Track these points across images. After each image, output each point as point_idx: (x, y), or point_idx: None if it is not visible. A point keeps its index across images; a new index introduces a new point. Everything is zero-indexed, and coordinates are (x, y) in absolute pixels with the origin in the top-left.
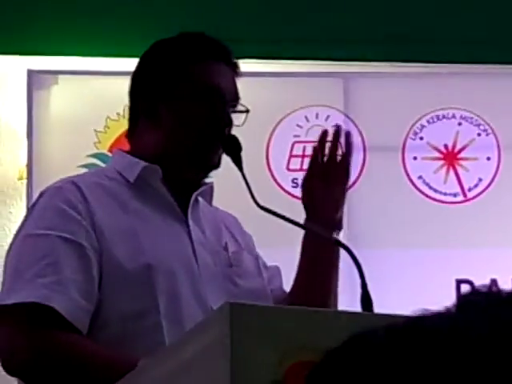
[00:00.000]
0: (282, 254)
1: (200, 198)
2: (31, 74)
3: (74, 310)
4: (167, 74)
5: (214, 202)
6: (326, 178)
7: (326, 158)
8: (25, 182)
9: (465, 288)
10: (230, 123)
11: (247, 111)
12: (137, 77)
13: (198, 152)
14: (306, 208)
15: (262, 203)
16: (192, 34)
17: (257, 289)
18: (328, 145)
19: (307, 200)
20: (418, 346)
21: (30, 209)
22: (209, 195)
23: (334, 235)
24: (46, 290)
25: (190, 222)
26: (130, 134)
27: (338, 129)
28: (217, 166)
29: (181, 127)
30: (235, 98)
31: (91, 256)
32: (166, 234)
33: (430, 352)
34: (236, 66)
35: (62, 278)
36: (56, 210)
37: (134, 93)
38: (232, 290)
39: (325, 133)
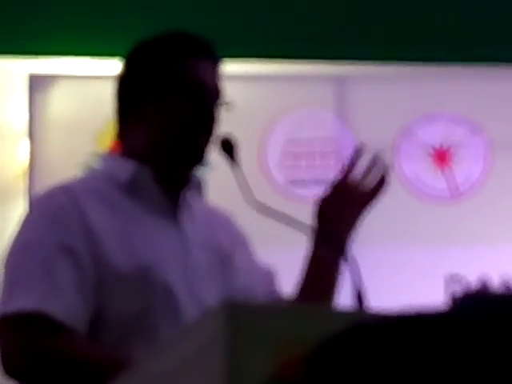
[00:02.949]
0: (279, 251)
1: (191, 195)
2: (32, 76)
3: (70, 314)
4: (152, 74)
5: (209, 200)
6: (347, 199)
7: (355, 178)
8: (25, 182)
9: (456, 284)
10: (213, 118)
11: (230, 104)
12: (122, 79)
13: (184, 148)
14: (318, 224)
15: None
16: (173, 33)
17: (250, 287)
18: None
19: (321, 217)
20: (413, 340)
21: (25, 218)
22: (199, 190)
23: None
24: (42, 297)
25: (182, 221)
26: (121, 135)
27: (376, 156)
28: (203, 159)
29: (167, 125)
30: (218, 92)
31: (86, 261)
32: (159, 235)
33: (424, 346)
34: (218, 61)
35: (58, 285)
36: (49, 219)
37: (120, 95)
38: (226, 288)
39: (358, 152)
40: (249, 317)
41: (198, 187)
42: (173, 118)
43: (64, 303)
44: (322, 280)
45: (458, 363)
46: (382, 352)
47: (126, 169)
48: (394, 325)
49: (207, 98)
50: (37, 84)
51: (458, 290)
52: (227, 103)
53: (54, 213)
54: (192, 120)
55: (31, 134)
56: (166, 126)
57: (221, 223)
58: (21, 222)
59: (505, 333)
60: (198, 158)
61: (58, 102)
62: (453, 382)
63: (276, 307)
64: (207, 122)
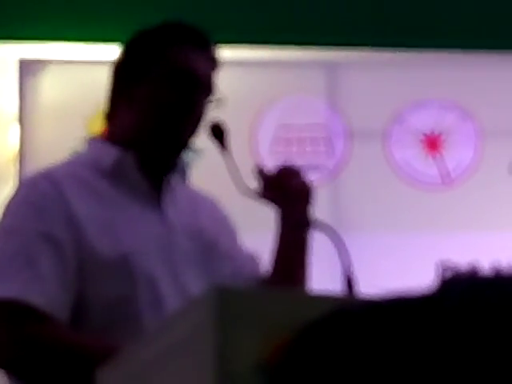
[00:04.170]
0: (269, 237)
1: (175, 180)
2: (22, 61)
3: (51, 302)
4: (142, 57)
5: (198, 186)
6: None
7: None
8: (16, 167)
9: (447, 269)
10: (198, 106)
11: (221, 100)
12: (117, 64)
13: (166, 133)
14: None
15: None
16: (171, 22)
17: (234, 273)
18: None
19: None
20: (397, 323)
21: (7, 204)
22: (182, 174)
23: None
24: (23, 285)
25: (166, 207)
26: (109, 118)
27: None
28: (185, 146)
29: (151, 109)
30: (210, 84)
31: (67, 248)
32: (142, 221)
33: (408, 330)
34: (213, 54)
35: (38, 273)
36: (31, 205)
37: (114, 79)
38: (209, 275)
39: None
40: (236, 303)
41: (182, 172)
42: (158, 103)
43: (45, 292)
44: (290, 262)
45: (444, 346)
46: (366, 336)
47: (109, 154)
48: (378, 309)
49: (195, 86)
50: (27, 69)
51: (448, 275)
52: (218, 98)
53: (36, 200)
54: (176, 105)
55: (22, 119)
56: (150, 110)
57: (205, 208)
58: (4, 207)
59: (492, 316)
60: (180, 144)
61: (49, 87)
62: (438, 365)
63: (263, 293)
64: (191, 109)
